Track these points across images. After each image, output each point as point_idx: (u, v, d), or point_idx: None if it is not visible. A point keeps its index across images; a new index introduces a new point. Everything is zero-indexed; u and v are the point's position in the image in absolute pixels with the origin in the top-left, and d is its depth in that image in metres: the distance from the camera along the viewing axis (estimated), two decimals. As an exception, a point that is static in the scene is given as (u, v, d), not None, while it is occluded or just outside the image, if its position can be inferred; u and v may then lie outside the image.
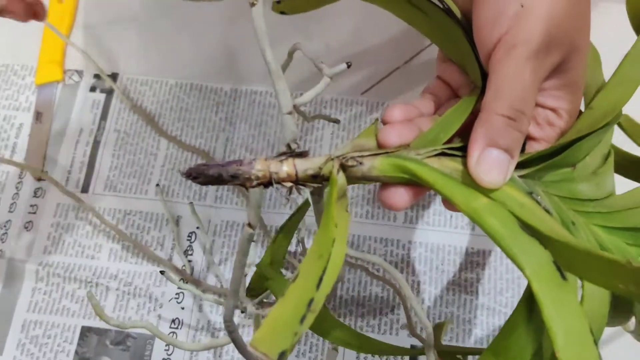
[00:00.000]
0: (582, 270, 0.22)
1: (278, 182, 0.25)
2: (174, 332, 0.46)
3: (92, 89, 0.55)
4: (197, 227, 0.49)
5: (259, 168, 0.25)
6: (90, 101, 0.54)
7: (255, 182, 0.25)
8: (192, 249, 0.49)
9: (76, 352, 0.46)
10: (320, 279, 0.22)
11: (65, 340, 0.46)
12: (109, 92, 0.54)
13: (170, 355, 0.46)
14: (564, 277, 0.22)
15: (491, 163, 0.25)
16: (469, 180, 0.25)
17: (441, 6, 0.28)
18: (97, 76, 0.55)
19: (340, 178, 0.25)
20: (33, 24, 0.42)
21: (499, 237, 0.24)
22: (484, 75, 0.28)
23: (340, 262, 0.23)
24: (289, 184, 0.26)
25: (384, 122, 0.29)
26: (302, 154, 0.26)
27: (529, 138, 0.29)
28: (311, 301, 0.21)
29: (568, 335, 0.21)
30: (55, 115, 0.53)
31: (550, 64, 0.26)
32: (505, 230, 0.23)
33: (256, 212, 0.26)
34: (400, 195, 0.27)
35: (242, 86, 0.54)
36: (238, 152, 0.52)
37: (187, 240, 0.49)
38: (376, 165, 0.26)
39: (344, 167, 0.26)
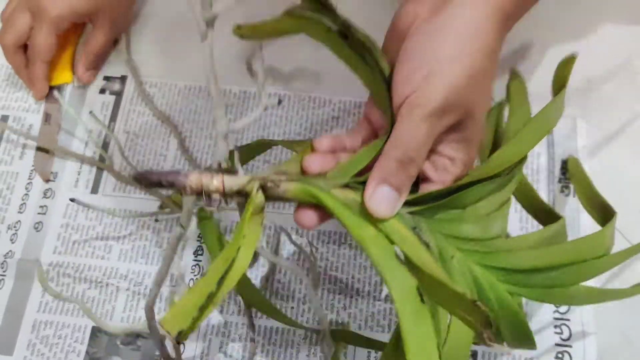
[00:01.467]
0: (436, 296, 0.28)
1: (208, 194, 0.30)
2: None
3: (102, 91, 0.55)
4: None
5: (193, 179, 0.30)
6: (100, 103, 0.54)
7: (189, 191, 0.30)
8: (202, 249, 0.49)
9: (87, 352, 0.46)
10: (222, 278, 0.28)
11: (75, 341, 0.46)
12: (119, 94, 0.55)
13: (181, 354, 0.46)
14: (422, 300, 0.28)
15: (382, 198, 0.30)
16: (363, 211, 0.30)
17: (373, 61, 0.32)
18: (106, 78, 0.55)
19: (258, 197, 0.30)
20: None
21: (376, 263, 0.29)
22: (393, 123, 0.32)
23: (245, 265, 0.28)
24: (218, 197, 0.30)
25: (313, 149, 0.34)
26: (231, 172, 0.30)
27: (426, 180, 0.33)
28: (211, 294, 0.27)
29: (418, 347, 0.27)
30: (65, 116, 0.54)
31: (446, 123, 0.31)
32: (383, 259, 0.29)
33: (188, 215, 0.32)
34: (309, 217, 0.32)
35: (251, 88, 0.54)
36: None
37: (197, 240, 0.49)
38: (290, 189, 0.31)
39: (263, 188, 0.30)
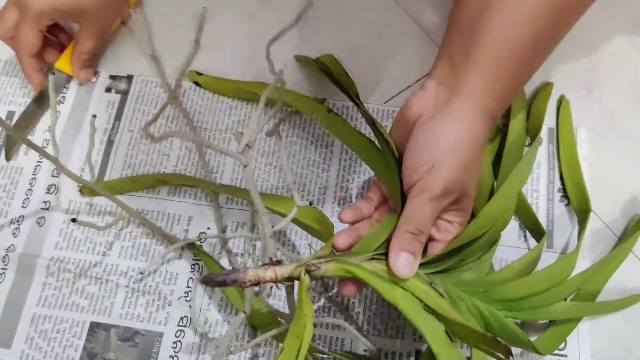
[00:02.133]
0: (460, 336, 0.36)
1: (264, 282, 0.37)
2: (181, 330, 0.47)
3: (108, 89, 0.55)
4: (208, 228, 0.50)
5: (251, 275, 0.36)
6: (106, 101, 0.55)
7: (248, 284, 0.36)
8: (203, 247, 0.49)
9: (84, 348, 0.46)
10: (298, 352, 0.34)
11: (73, 335, 0.47)
12: (124, 93, 0.55)
13: (177, 352, 0.46)
14: (451, 340, 0.36)
15: (403, 262, 0.37)
16: (390, 277, 0.38)
17: (390, 149, 0.42)
18: (112, 77, 0.56)
19: (306, 280, 0.37)
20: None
21: (409, 316, 0.36)
22: (403, 200, 0.40)
23: (310, 336, 0.35)
24: (271, 284, 0.37)
25: (340, 220, 0.43)
26: (279, 262, 0.37)
27: (432, 240, 0.41)
28: None
29: None
30: (71, 114, 0.54)
31: (447, 202, 0.39)
32: (414, 312, 0.37)
33: (250, 304, 0.39)
34: (350, 288, 0.40)
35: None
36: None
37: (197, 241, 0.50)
38: (329, 268, 0.38)
39: (308, 271, 0.37)
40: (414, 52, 0.56)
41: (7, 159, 0.52)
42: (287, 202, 0.43)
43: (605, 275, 0.47)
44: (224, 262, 0.49)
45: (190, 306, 0.47)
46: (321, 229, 0.43)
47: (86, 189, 0.51)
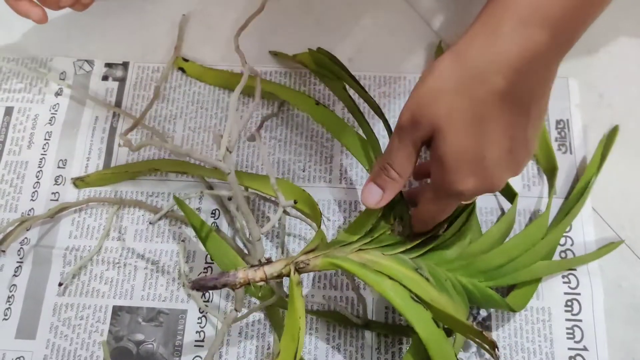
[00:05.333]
0: (446, 322, 0.38)
1: (254, 282, 0.38)
2: (205, 306, 0.47)
3: (104, 77, 0.55)
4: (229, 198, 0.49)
5: (241, 276, 0.37)
6: (104, 89, 0.55)
7: (239, 285, 0.38)
8: (217, 225, 0.50)
9: (110, 332, 0.47)
10: (295, 354, 0.36)
11: (97, 321, 0.47)
12: (122, 80, 0.55)
13: (203, 327, 0.47)
14: (438, 326, 0.38)
15: (367, 192, 0.38)
16: (377, 267, 0.39)
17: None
18: (108, 65, 0.56)
19: (296, 277, 0.38)
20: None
21: (398, 306, 0.38)
22: None
23: (303, 337, 0.36)
24: (261, 283, 0.38)
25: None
26: (269, 261, 0.38)
27: (412, 197, 0.43)
28: None
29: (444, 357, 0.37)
30: (70, 105, 0.54)
31: (415, 136, 0.34)
32: (402, 302, 0.38)
33: (241, 302, 0.41)
34: None
35: (254, 67, 0.55)
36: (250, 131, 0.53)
37: (211, 217, 0.50)
38: (318, 263, 0.39)
39: (297, 269, 0.38)
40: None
41: None
42: (280, 185, 0.43)
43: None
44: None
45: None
46: (311, 214, 0.44)
47: (79, 182, 0.51)
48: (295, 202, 0.41)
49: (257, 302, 0.47)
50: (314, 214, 0.43)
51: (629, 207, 0.50)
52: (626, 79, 0.55)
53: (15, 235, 0.48)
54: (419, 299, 0.38)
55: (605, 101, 0.54)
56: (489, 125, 0.32)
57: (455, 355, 0.38)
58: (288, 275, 0.38)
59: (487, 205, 0.50)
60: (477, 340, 0.37)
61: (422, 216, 0.40)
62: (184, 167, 0.51)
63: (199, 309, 0.47)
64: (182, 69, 0.55)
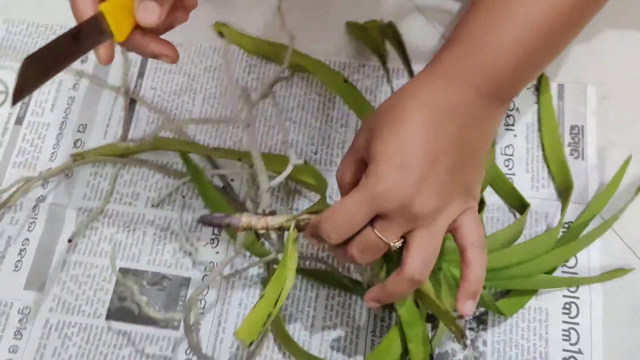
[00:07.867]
0: (427, 304, 0.40)
1: (256, 229, 0.39)
2: (207, 275, 0.48)
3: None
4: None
5: (244, 221, 0.39)
6: (128, 59, 0.56)
7: (241, 229, 0.39)
8: (231, 187, 0.51)
9: (114, 292, 0.48)
10: (276, 301, 0.38)
11: (104, 280, 0.48)
12: (146, 52, 0.57)
13: (205, 295, 0.48)
14: (418, 307, 0.41)
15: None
16: None
17: None
18: (134, 37, 0.57)
19: (294, 233, 0.39)
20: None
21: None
22: None
23: (291, 285, 0.38)
24: (263, 231, 0.40)
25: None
26: (273, 213, 0.40)
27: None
28: (270, 314, 0.37)
29: (416, 339, 0.41)
30: (94, 71, 0.56)
31: (363, 138, 0.37)
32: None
33: (241, 246, 0.43)
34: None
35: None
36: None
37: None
38: None
39: (298, 226, 0.39)
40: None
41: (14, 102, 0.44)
42: (285, 161, 0.43)
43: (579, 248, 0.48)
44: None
45: (217, 252, 0.49)
46: (316, 184, 0.45)
47: (78, 157, 0.52)
48: (305, 161, 0.42)
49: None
50: (318, 184, 0.44)
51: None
52: (630, 79, 0.54)
53: (20, 192, 0.50)
54: None
55: (609, 102, 0.54)
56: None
57: (430, 342, 0.41)
58: (289, 229, 0.39)
59: (499, 216, 0.50)
60: (451, 328, 0.39)
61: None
62: (188, 146, 0.51)
63: (202, 277, 0.48)
64: (220, 33, 0.56)
